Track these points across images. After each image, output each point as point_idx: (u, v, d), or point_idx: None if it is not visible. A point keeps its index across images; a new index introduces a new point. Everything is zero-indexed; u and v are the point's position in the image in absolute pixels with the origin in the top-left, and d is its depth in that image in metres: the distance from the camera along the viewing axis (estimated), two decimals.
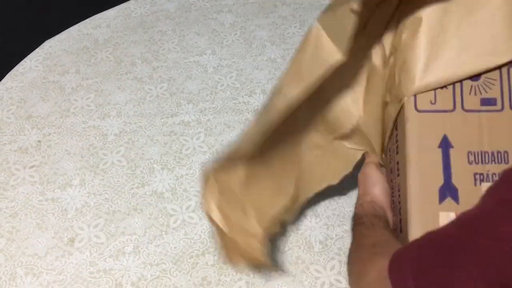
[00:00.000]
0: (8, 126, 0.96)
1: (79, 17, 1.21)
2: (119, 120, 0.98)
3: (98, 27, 1.18)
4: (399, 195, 0.58)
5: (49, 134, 0.95)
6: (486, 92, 0.53)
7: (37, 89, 1.03)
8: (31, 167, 0.90)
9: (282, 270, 0.78)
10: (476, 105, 0.53)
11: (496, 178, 0.50)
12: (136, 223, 0.83)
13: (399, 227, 0.59)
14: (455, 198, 0.51)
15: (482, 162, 0.52)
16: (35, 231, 0.81)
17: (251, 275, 0.77)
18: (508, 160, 0.52)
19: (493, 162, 0.52)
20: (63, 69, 1.08)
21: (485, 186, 0.50)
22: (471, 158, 0.52)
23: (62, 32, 1.16)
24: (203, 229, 0.82)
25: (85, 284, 0.75)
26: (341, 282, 0.77)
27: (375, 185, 0.67)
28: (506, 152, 0.52)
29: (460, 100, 0.53)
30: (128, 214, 0.84)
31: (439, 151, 0.52)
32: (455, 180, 0.52)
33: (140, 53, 1.12)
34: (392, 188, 0.62)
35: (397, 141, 0.58)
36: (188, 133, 0.96)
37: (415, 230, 0.52)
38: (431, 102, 0.54)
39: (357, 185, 0.73)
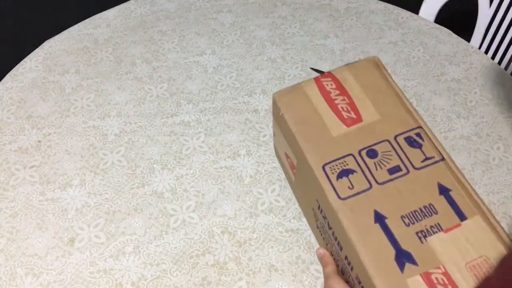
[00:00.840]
0: (8, 126, 0.96)
1: (79, 17, 1.21)
2: (119, 120, 0.98)
3: (98, 27, 1.18)
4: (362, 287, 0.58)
5: (49, 134, 0.95)
6: (388, 163, 0.60)
7: (37, 89, 1.03)
8: (31, 167, 0.90)
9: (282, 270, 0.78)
10: (386, 176, 0.59)
11: (435, 229, 0.55)
12: (136, 223, 0.83)
13: None
14: (413, 261, 0.53)
15: (417, 220, 0.56)
16: (35, 231, 0.81)
17: (251, 275, 0.77)
18: (436, 210, 0.56)
19: (424, 217, 0.56)
20: (63, 69, 1.08)
21: (431, 240, 0.54)
22: (407, 220, 0.56)
23: (62, 32, 1.16)
24: (203, 229, 0.82)
25: (85, 284, 0.75)
26: None
27: None
28: (431, 204, 0.57)
29: (372, 177, 0.59)
30: (128, 214, 0.84)
31: (378, 226, 0.56)
32: (404, 245, 0.54)
33: (140, 53, 1.12)
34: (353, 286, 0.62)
35: (336, 238, 0.61)
36: (188, 133, 0.96)
37: None
38: (349, 187, 0.59)
39: None
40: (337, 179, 0.60)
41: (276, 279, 0.77)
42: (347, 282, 0.61)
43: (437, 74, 1.12)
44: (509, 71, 1.25)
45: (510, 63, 1.27)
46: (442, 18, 1.30)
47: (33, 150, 0.92)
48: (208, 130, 0.97)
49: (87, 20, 1.20)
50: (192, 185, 0.88)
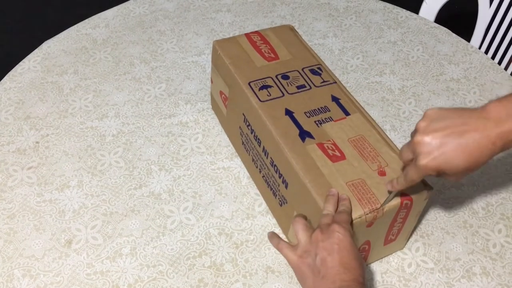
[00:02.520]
0: (6, 127, 0.96)
1: (77, 17, 1.21)
2: (117, 121, 0.98)
3: (97, 27, 1.18)
4: (279, 172, 0.77)
5: (47, 135, 0.95)
6: (297, 82, 0.83)
7: (36, 90, 1.03)
8: (29, 168, 0.90)
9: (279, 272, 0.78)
10: (295, 89, 0.82)
11: (328, 120, 0.78)
12: (133, 224, 0.83)
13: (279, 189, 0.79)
14: (311, 136, 0.75)
15: (315, 115, 0.78)
16: (33, 232, 0.81)
17: (248, 277, 0.77)
18: (329, 109, 0.79)
19: (320, 113, 0.79)
20: (61, 70, 1.08)
21: (325, 125, 0.77)
22: (308, 114, 0.78)
23: (61, 33, 1.16)
24: (200, 230, 0.82)
25: (82, 286, 0.76)
26: None
27: (355, 256, 0.59)
28: (325, 105, 0.80)
29: (285, 90, 0.82)
30: (125, 216, 0.84)
31: (287, 117, 0.78)
32: (305, 127, 0.76)
33: (139, 53, 1.12)
34: (267, 171, 0.81)
35: (256, 137, 0.81)
36: (186, 133, 0.96)
37: (296, 160, 0.72)
38: (267, 95, 0.81)
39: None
40: (259, 90, 0.81)
41: (272, 281, 0.77)
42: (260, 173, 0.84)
43: (436, 74, 1.11)
44: (509, 71, 1.24)
45: (510, 63, 1.26)
46: (442, 18, 1.30)
47: (31, 151, 0.92)
48: (206, 131, 0.97)
49: (86, 20, 1.20)
50: (189, 186, 0.88)
